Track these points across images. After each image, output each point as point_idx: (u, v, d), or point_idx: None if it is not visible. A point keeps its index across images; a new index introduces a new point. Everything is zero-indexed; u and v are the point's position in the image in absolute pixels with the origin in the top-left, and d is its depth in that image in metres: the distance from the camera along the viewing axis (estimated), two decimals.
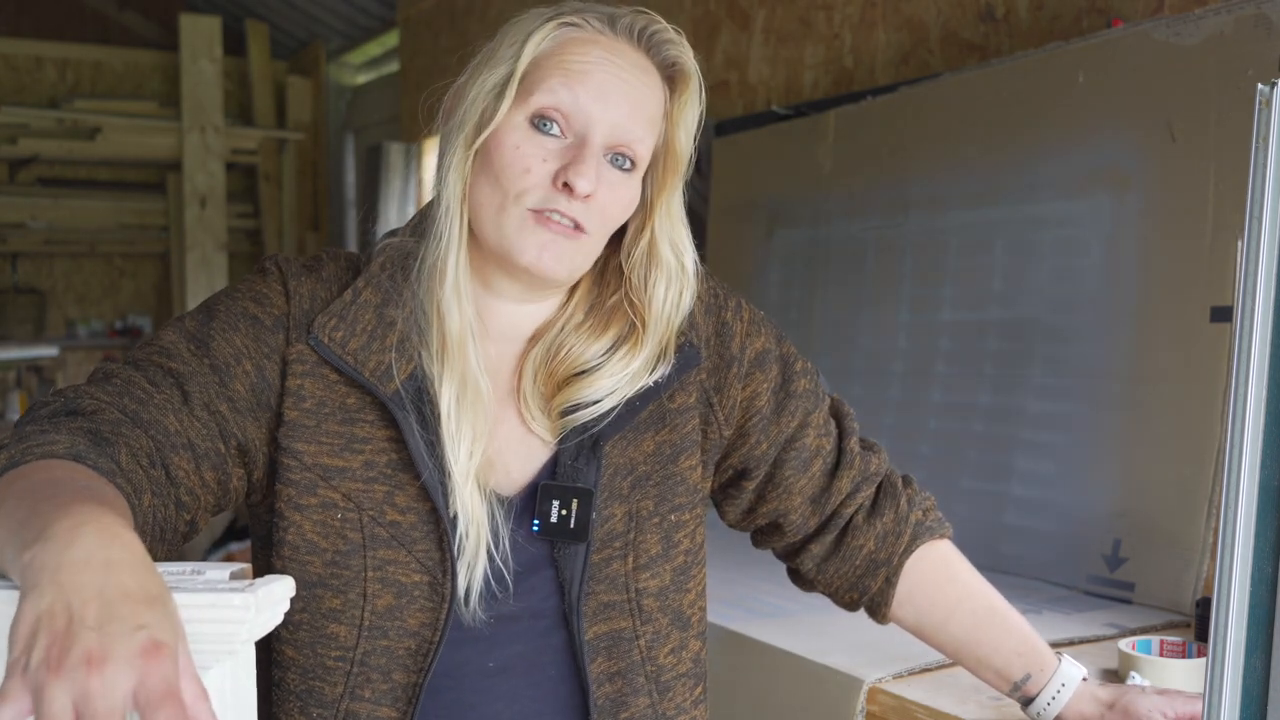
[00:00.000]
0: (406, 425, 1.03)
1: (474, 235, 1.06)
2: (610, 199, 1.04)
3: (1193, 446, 1.74)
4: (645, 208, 1.10)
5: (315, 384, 1.05)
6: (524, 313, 1.12)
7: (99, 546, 0.72)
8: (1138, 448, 1.83)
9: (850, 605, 1.30)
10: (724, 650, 1.73)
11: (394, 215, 5.47)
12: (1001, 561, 1.99)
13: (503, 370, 1.11)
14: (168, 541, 0.99)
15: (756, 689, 1.66)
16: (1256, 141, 0.74)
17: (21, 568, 0.72)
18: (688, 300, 1.12)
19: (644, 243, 1.10)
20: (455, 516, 1.03)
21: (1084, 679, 1.20)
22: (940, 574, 1.27)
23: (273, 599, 0.80)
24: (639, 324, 1.10)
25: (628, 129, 1.04)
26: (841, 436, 1.26)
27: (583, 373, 1.09)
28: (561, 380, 1.10)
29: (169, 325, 1.07)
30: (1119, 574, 1.81)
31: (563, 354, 1.10)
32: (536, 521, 1.07)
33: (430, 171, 1.10)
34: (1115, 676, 1.46)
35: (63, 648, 0.66)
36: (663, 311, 1.10)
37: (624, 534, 1.10)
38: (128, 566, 0.71)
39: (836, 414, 1.27)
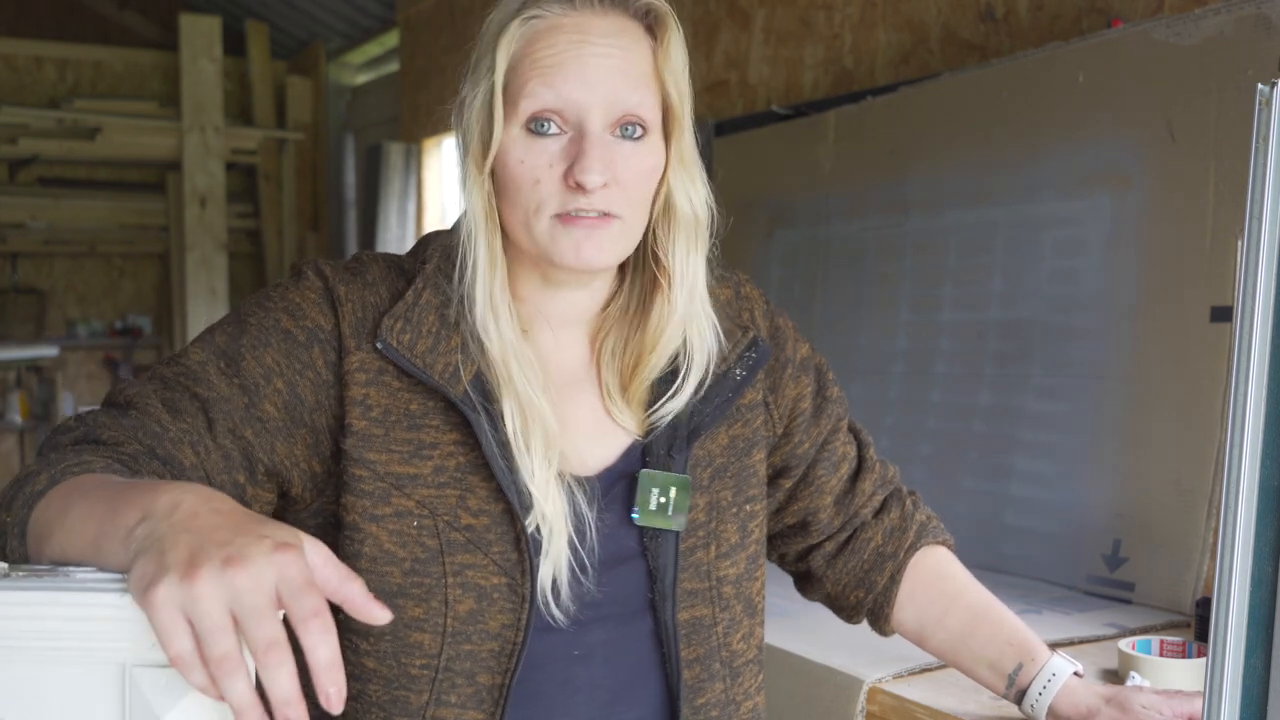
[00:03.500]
0: (479, 426, 1.02)
1: (513, 239, 1.07)
2: (630, 175, 1.03)
3: (1193, 446, 1.74)
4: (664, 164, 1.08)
5: (379, 392, 1.04)
6: (581, 299, 1.12)
7: (203, 502, 0.75)
8: (1138, 448, 1.83)
9: (854, 608, 1.30)
10: None
11: (394, 215, 5.47)
12: (1001, 561, 1.99)
13: (574, 353, 1.12)
14: None
15: None
16: (1256, 141, 0.74)
17: (135, 547, 0.73)
18: (704, 249, 1.11)
19: (661, 197, 1.08)
20: (532, 516, 1.03)
21: (1077, 673, 1.20)
22: (940, 572, 1.29)
23: None
24: (663, 279, 1.09)
25: (622, 100, 1.01)
26: (861, 445, 1.31)
27: (640, 350, 1.11)
28: (632, 364, 1.11)
29: (200, 340, 1.05)
30: (1119, 574, 1.81)
31: (625, 341, 1.12)
32: (636, 510, 1.08)
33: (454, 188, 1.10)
34: (1115, 676, 1.46)
35: (202, 558, 0.68)
36: (685, 266, 1.09)
37: (706, 524, 1.12)
38: (237, 510, 0.75)
39: (852, 427, 1.32)
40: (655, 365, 1.10)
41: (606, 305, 1.13)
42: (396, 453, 1.04)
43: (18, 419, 6.20)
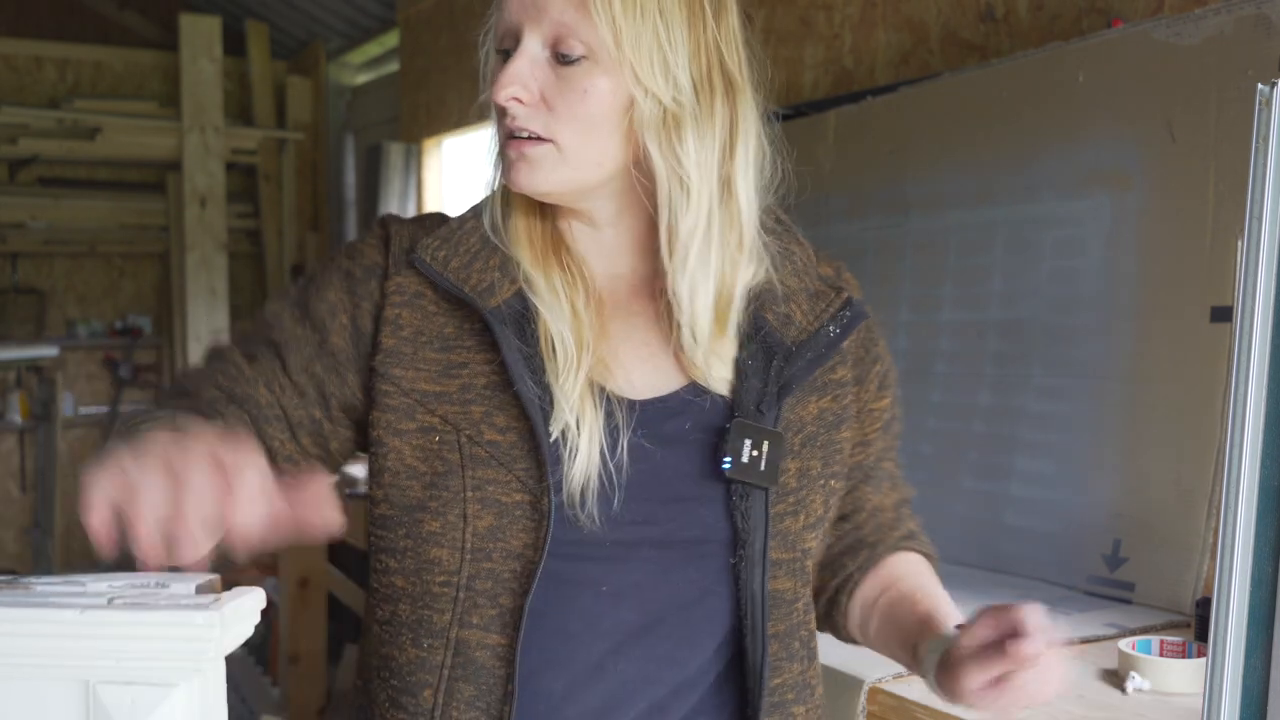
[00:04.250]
0: (505, 338, 1.03)
1: None
2: (556, 94, 1.02)
3: (1193, 446, 1.74)
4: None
5: (413, 314, 1.07)
6: (597, 237, 1.11)
7: (166, 436, 0.84)
8: (1138, 448, 1.83)
9: (815, 596, 1.21)
10: None
11: None
12: (1001, 561, 1.99)
13: (612, 279, 1.11)
14: None
15: None
16: (1256, 141, 0.74)
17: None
18: (751, 178, 1.09)
19: (649, 134, 1.05)
20: (555, 426, 1.01)
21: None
22: (902, 569, 1.21)
23: (240, 614, 0.77)
24: (730, 207, 1.07)
25: (551, 21, 1.01)
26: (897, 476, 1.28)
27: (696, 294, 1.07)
28: (689, 298, 1.07)
29: (276, 295, 1.13)
30: (1119, 574, 1.81)
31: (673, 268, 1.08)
32: (728, 460, 1.03)
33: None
34: (1115, 677, 1.47)
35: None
36: (693, 185, 1.05)
37: (796, 490, 1.08)
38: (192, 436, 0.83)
39: None
40: (706, 298, 1.06)
41: (637, 240, 1.11)
42: (424, 371, 1.05)
43: (18, 419, 6.20)
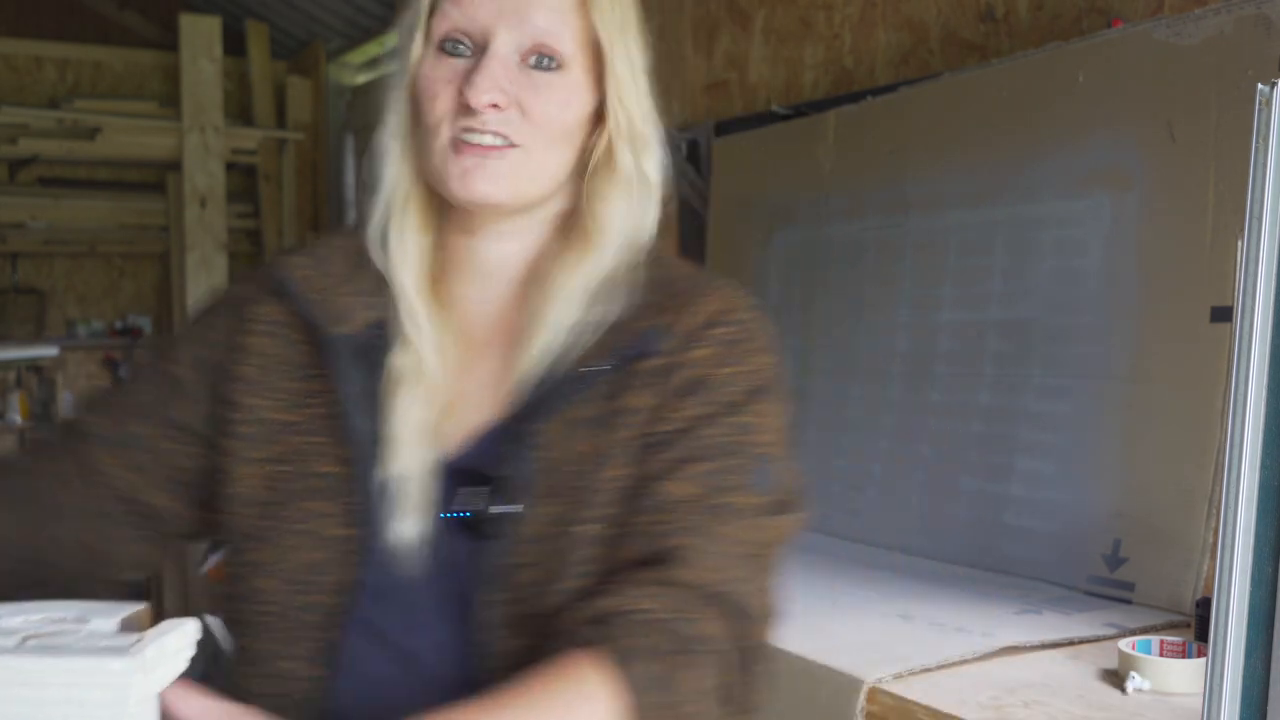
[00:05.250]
0: (342, 370, 1.00)
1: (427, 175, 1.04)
2: (534, 103, 0.98)
3: (1193, 446, 1.74)
4: (600, 112, 1.03)
5: (272, 342, 1.05)
6: (506, 251, 1.06)
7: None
8: (1138, 448, 1.83)
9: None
10: None
11: None
12: (1001, 561, 1.99)
13: (486, 312, 1.06)
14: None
15: None
16: (1256, 141, 0.74)
17: None
18: (651, 216, 1.04)
19: (600, 148, 1.03)
20: (383, 471, 0.98)
21: None
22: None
23: (166, 652, 0.74)
24: (585, 235, 1.02)
25: (530, 25, 0.98)
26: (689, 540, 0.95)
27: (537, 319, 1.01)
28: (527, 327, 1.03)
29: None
30: (1119, 574, 1.81)
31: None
32: (451, 509, 0.98)
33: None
34: (1115, 677, 1.47)
35: None
36: (618, 224, 1.02)
37: (539, 540, 0.97)
38: None
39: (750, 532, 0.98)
40: (555, 326, 1.00)
41: (538, 261, 1.05)
42: (277, 400, 1.04)
43: (18, 419, 6.19)
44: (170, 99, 6.29)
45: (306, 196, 6.66)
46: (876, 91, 2.47)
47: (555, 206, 1.06)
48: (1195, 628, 1.60)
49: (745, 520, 0.97)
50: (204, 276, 6.17)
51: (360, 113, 6.46)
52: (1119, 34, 1.95)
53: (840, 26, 2.71)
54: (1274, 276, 0.75)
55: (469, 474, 0.99)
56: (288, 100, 6.54)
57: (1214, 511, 1.71)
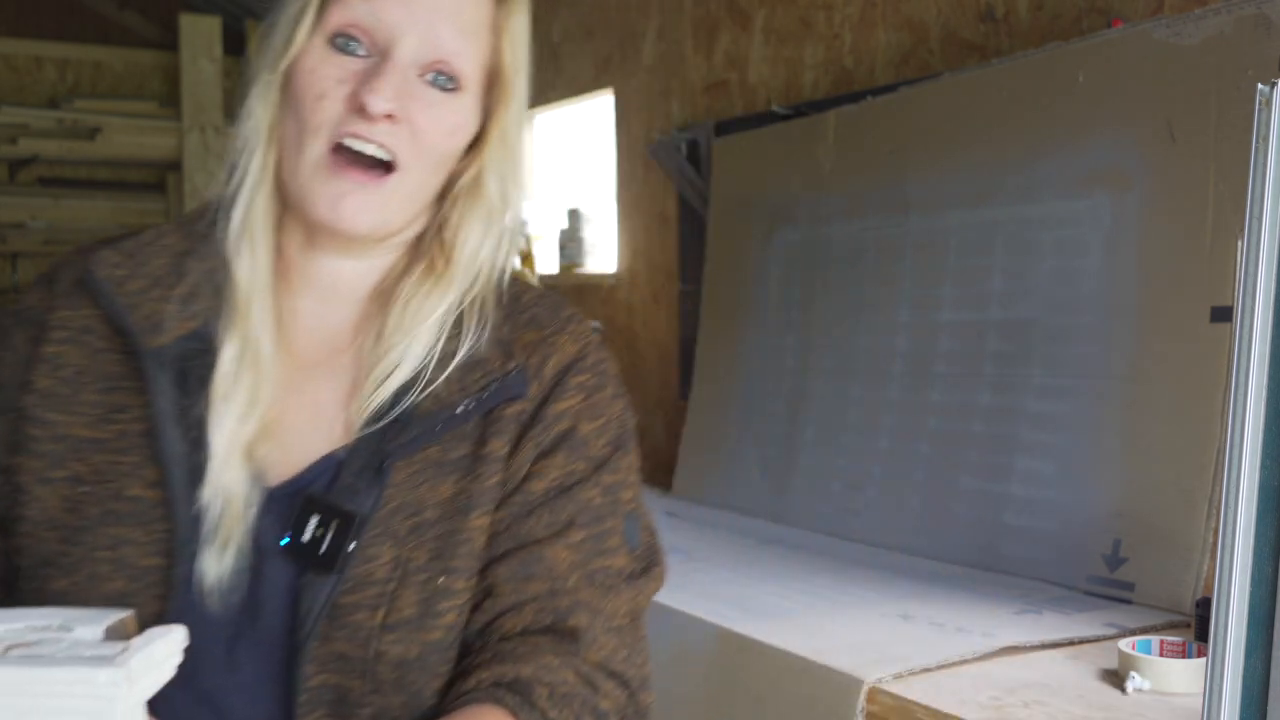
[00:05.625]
0: (157, 385, 0.91)
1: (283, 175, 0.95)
2: (428, 122, 0.92)
3: (1193, 446, 1.74)
4: (479, 138, 0.97)
5: (77, 351, 0.95)
6: (350, 269, 0.99)
7: None
8: (1138, 448, 1.83)
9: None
10: (724, 650, 1.73)
11: None
12: (1001, 561, 1.99)
13: (322, 331, 0.98)
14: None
15: (756, 689, 1.66)
16: (1256, 141, 0.74)
17: None
18: (505, 252, 0.99)
19: (469, 175, 0.97)
20: (200, 497, 0.90)
21: None
22: None
23: (152, 661, 0.72)
24: (441, 262, 0.97)
25: (439, 40, 0.92)
26: (584, 612, 0.95)
27: (387, 348, 0.95)
28: (383, 354, 0.95)
29: None
30: (1119, 574, 1.81)
31: (388, 319, 0.96)
32: (288, 535, 0.90)
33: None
34: (1115, 677, 1.47)
35: None
36: (474, 253, 0.97)
37: (384, 582, 0.91)
38: None
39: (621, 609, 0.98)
40: (401, 358, 0.94)
41: (384, 281, 1.00)
42: (82, 415, 0.94)
43: None
44: (170, 99, 6.30)
45: None
46: (876, 91, 2.48)
47: (412, 231, 1.00)
48: (1195, 628, 1.60)
49: (624, 590, 0.98)
50: None
51: None
52: (1119, 34, 1.95)
53: (840, 26, 2.71)
54: (1274, 276, 0.75)
55: (314, 502, 0.91)
56: None
57: (1214, 511, 1.71)
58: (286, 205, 0.96)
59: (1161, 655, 1.48)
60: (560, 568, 0.95)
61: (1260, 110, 0.74)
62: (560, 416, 0.98)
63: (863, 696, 1.47)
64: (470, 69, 0.94)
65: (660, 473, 2.99)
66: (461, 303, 0.97)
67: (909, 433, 2.23)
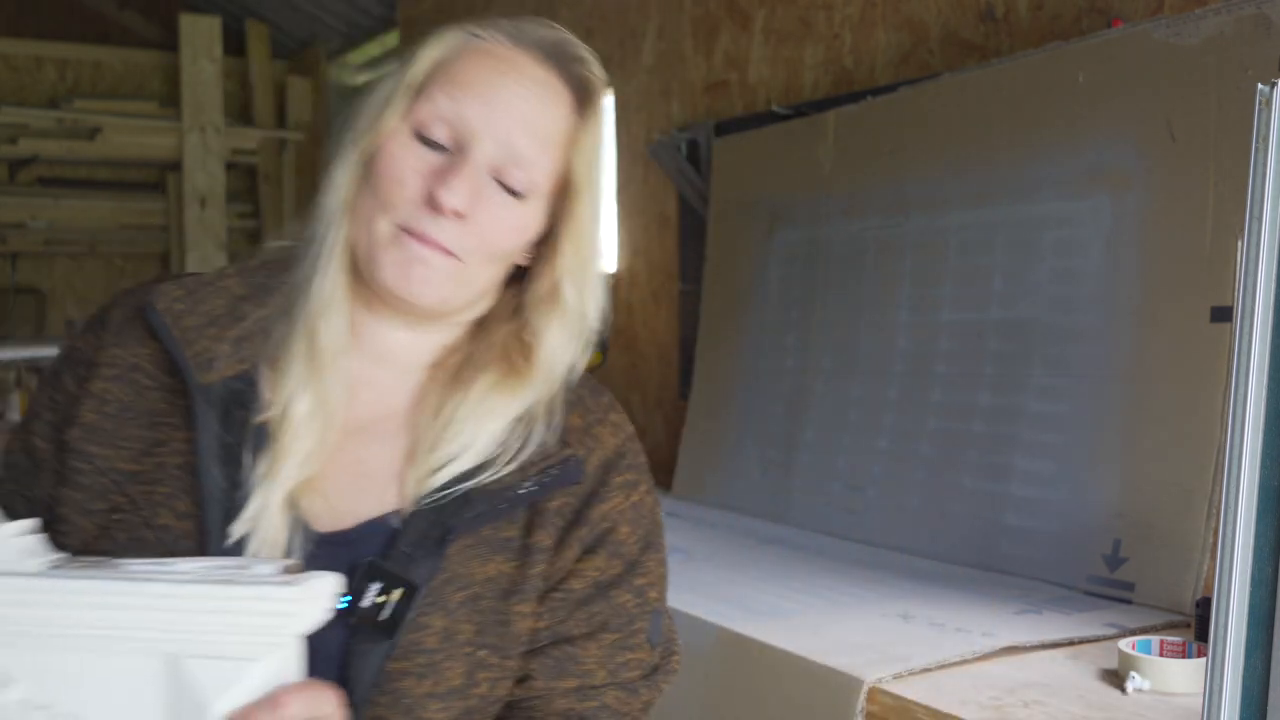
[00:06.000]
0: (205, 420, 0.94)
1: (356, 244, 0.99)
2: (491, 222, 0.96)
3: (1193, 446, 1.74)
4: (550, 246, 1.01)
5: (124, 388, 0.98)
6: (409, 340, 1.03)
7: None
8: (1138, 448, 1.83)
9: None
10: (724, 650, 1.73)
11: None
12: (1001, 561, 1.99)
13: (374, 395, 1.02)
14: None
15: (756, 689, 1.66)
16: (1256, 141, 0.74)
17: None
18: (583, 352, 1.03)
19: (546, 283, 1.01)
20: (236, 533, 0.92)
21: None
22: None
23: (321, 593, 0.78)
24: (523, 365, 1.01)
25: (516, 147, 0.96)
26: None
27: (449, 424, 0.99)
28: (443, 429, 0.99)
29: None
30: (1119, 574, 1.81)
31: (450, 397, 1.01)
32: (347, 598, 0.91)
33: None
34: (1115, 677, 1.47)
35: None
36: (555, 359, 1.01)
37: (432, 652, 0.94)
38: None
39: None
40: (469, 444, 0.98)
41: (441, 356, 1.04)
42: (124, 450, 0.97)
43: (17, 419, 6.20)
44: (170, 99, 6.30)
45: (306, 196, 6.65)
46: (876, 91, 2.48)
47: (473, 312, 1.04)
48: (1195, 628, 1.60)
49: (643, 689, 1.04)
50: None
51: None
52: (1119, 34, 1.95)
53: (840, 26, 2.71)
54: (1274, 276, 0.75)
55: (376, 569, 0.93)
56: (288, 100, 6.54)
57: (1214, 511, 1.71)
58: (354, 273, 1.00)
59: (1161, 655, 1.48)
60: (590, 665, 1.01)
61: (1260, 110, 0.74)
62: (604, 518, 1.03)
63: (863, 696, 1.47)
64: (540, 178, 0.98)
65: (660, 473, 2.98)
66: (535, 400, 1.01)
67: (909, 433, 2.23)
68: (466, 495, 0.97)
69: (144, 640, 0.75)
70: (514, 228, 0.98)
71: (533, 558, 0.99)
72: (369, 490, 0.98)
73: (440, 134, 0.96)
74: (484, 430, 0.98)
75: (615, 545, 1.03)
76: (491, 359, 1.02)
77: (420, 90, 0.97)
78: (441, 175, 0.94)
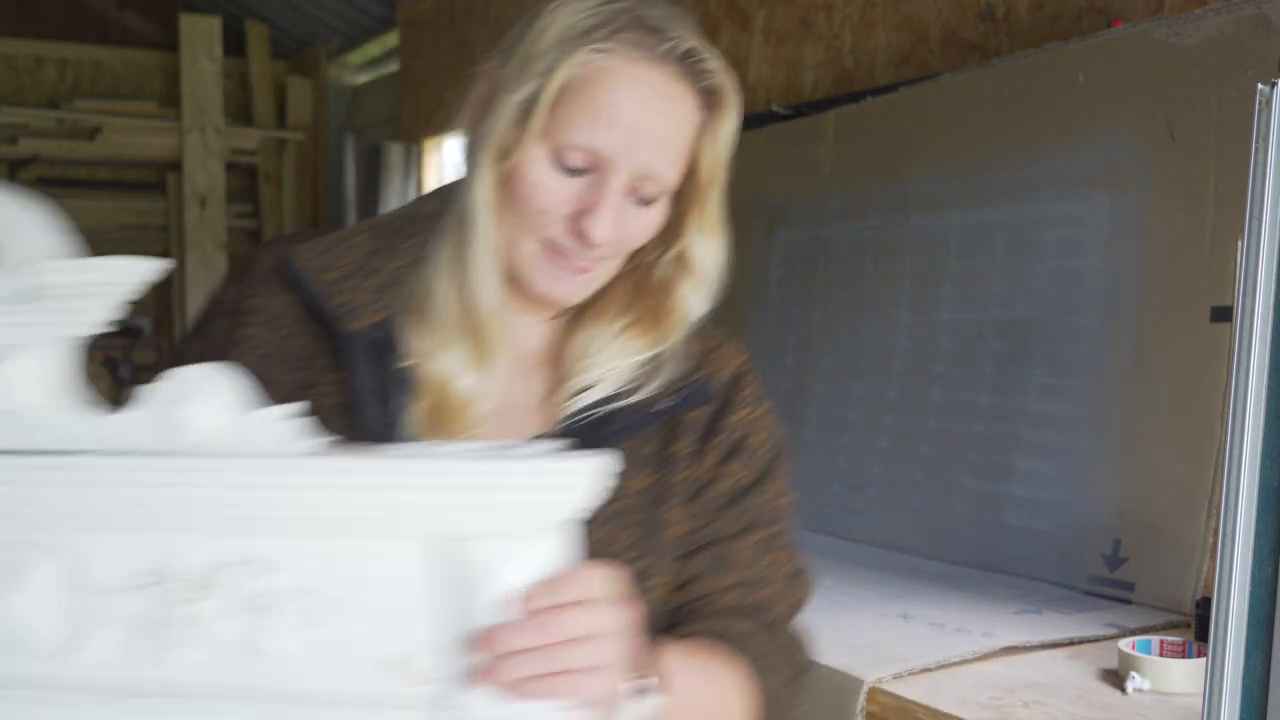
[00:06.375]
0: (356, 364, 1.01)
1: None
2: (630, 233, 1.02)
3: (1193, 446, 1.74)
4: (674, 216, 1.06)
5: (269, 334, 1.04)
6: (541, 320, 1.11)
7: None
8: (1138, 448, 1.83)
9: None
10: None
11: None
12: (1001, 561, 1.99)
13: (513, 343, 1.08)
14: None
15: None
16: (1256, 141, 0.74)
17: None
18: (709, 302, 1.10)
19: (674, 250, 1.07)
20: None
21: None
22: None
23: (596, 470, 0.74)
24: (654, 316, 1.08)
25: (653, 168, 1.00)
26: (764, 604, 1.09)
27: (585, 356, 1.07)
28: (572, 361, 1.07)
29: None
30: (1119, 574, 1.81)
31: (580, 334, 1.08)
32: None
33: (457, 163, 1.13)
34: (1115, 677, 1.47)
35: None
36: (687, 314, 1.08)
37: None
38: None
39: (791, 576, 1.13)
40: (605, 377, 1.06)
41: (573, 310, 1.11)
42: (277, 391, 0.99)
43: None
44: (170, 99, 6.30)
45: (306, 196, 6.66)
46: (876, 91, 2.47)
47: None
48: (1195, 628, 1.60)
49: (794, 590, 1.13)
50: (204, 276, 6.17)
51: (360, 113, 6.46)
52: (1119, 34, 1.95)
53: (840, 26, 2.71)
54: (1274, 276, 0.75)
55: None
56: (288, 100, 6.54)
57: (1214, 511, 1.71)
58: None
59: (1161, 655, 1.48)
60: (745, 561, 1.08)
61: (1260, 110, 0.74)
62: (735, 427, 1.10)
63: (863, 696, 1.47)
64: (671, 182, 1.03)
65: None
66: (668, 346, 1.08)
67: (909, 433, 2.23)
68: (608, 415, 1.04)
69: (416, 521, 0.72)
70: (648, 228, 1.04)
71: (674, 465, 1.06)
72: (515, 420, 1.06)
73: (577, 161, 0.99)
74: (621, 364, 1.06)
75: (749, 452, 1.10)
76: (619, 298, 1.08)
77: (554, 110, 0.98)
78: (587, 208, 0.99)
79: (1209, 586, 1.67)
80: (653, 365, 1.07)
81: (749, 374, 1.14)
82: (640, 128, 0.99)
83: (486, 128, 1.01)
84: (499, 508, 0.72)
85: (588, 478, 0.73)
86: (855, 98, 2.53)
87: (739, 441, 1.10)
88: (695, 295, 1.08)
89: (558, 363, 1.09)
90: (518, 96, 0.99)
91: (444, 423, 1.01)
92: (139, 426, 0.74)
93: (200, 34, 6.18)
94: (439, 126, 5.10)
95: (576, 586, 0.75)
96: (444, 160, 5.34)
